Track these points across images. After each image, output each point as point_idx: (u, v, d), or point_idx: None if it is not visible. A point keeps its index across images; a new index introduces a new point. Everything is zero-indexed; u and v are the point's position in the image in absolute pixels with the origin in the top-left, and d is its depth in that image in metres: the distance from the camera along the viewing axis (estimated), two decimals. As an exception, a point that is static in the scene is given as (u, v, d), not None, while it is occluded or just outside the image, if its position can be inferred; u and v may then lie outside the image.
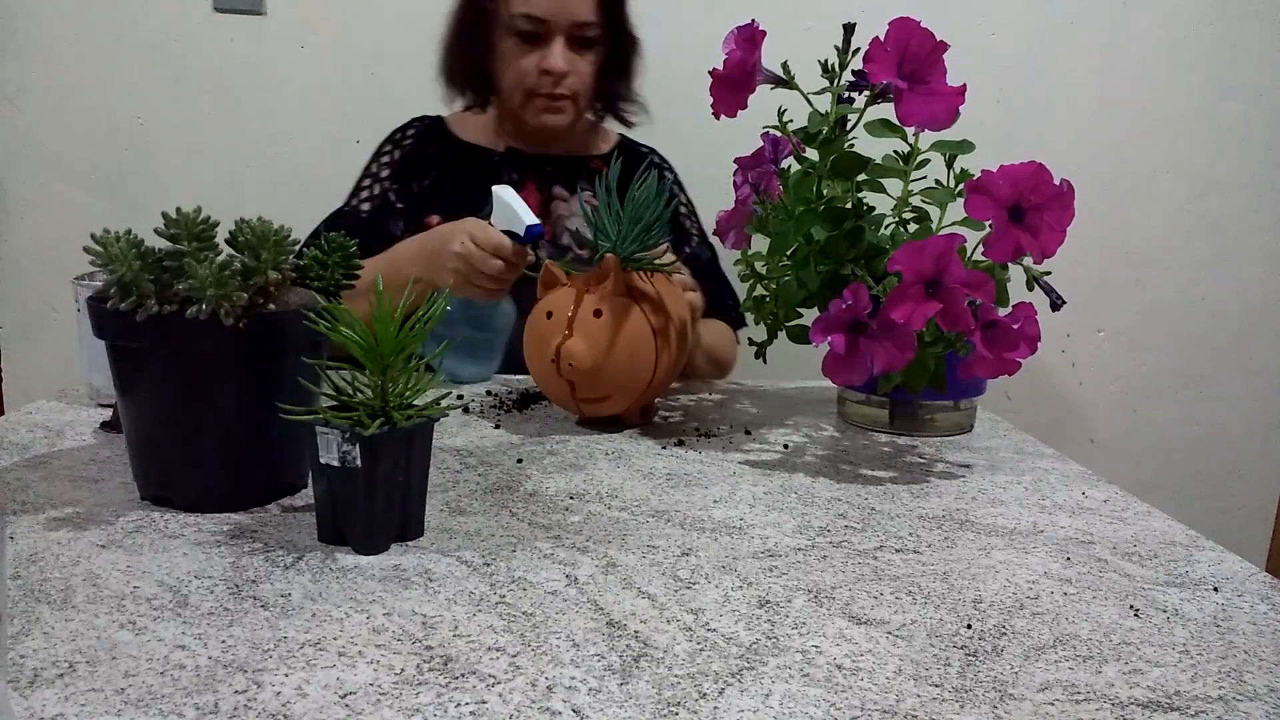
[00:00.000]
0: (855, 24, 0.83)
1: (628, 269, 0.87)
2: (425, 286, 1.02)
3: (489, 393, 1.03)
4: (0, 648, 0.38)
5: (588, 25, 1.16)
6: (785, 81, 0.86)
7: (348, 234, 1.23)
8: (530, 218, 0.96)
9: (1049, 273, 0.82)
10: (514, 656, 0.47)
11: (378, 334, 0.58)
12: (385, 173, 1.27)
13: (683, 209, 1.34)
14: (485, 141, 1.28)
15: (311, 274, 0.71)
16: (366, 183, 1.28)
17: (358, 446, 0.57)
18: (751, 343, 0.96)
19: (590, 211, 0.92)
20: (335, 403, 0.61)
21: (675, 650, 0.49)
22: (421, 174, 1.26)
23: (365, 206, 1.25)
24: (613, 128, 1.35)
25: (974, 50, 1.59)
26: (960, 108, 0.79)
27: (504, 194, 0.99)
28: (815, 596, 0.56)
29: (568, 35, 1.15)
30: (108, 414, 0.87)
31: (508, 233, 0.97)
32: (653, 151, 1.37)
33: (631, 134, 1.37)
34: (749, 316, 0.96)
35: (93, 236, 0.60)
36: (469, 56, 1.24)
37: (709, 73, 0.87)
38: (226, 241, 0.63)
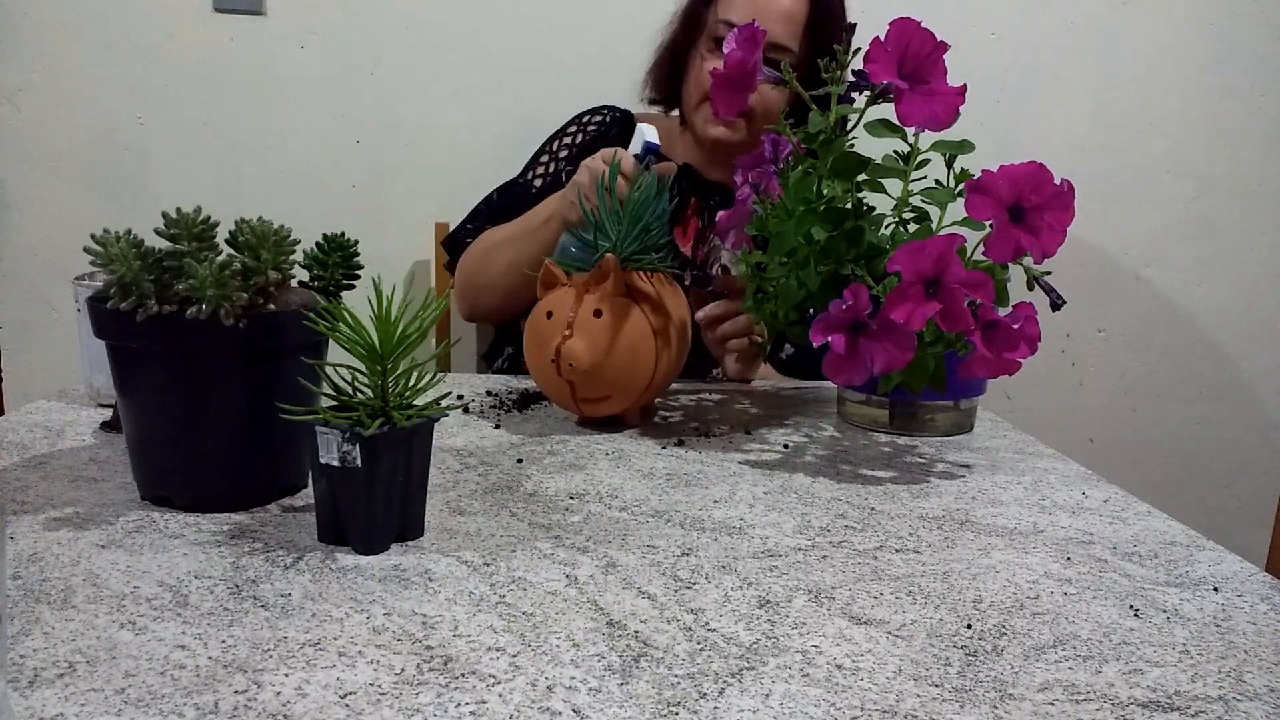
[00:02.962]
0: (855, 24, 0.83)
1: (628, 269, 0.87)
2: (556, 223, 1.08)
3: (489, 393, 1.03)
4: (0, 648, 0.38)
5: (783, 50, 1.14)
6: (785, 81, 0.86)
7: (515, 203, 1.27)
8: (652, 136, 1.00)
9: (1049, 273, 0.82)
10: (514, 656, 0.47)
11: (378, 334, 0.58)
12: (564, 153, 1.28)
13: None
14: (665, 150, 1.28)
15: (313, 273, 0.71)
16: (544, 159, 1.28)
17: (358, 446, 0.57)
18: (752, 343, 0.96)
19: (589, 213, 0.92)
20: (335, 403, 0.61)
21: (675, 650, 0.49)
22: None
23: (537, 183, 1.26)
24: None
25: (974, 50, 1.59)
26: (960, 108, 0.79)
27: (643, 127, 1.03)
28: (815, 596, 0.56)
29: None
30: (108, 414, 0.87)
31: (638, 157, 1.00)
32: None
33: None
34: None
35: (93, 236, 0.60)
36: (676, 57, 1.25)
37: (709, 72, 0.87)
38: (226, 241, 0.63)
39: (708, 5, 1.20)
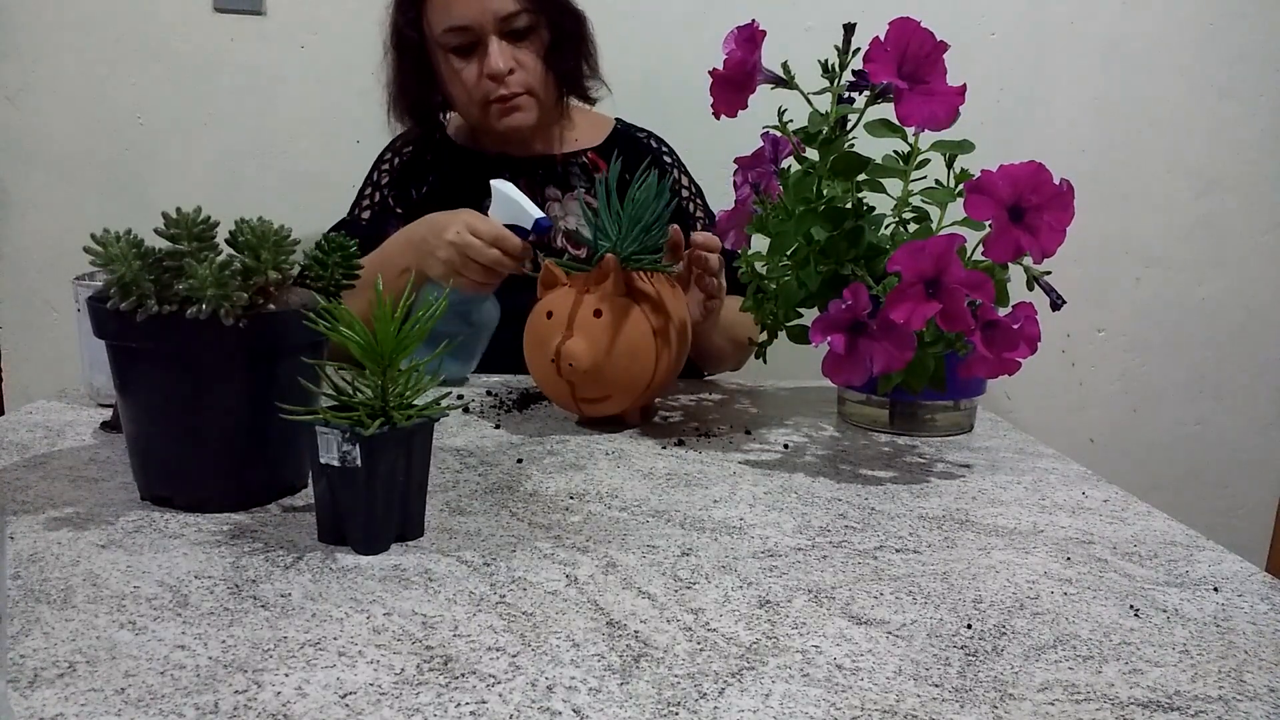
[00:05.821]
0: (855, 24, 0.83)
1: (628, 269, 0.87)
2: (416, 278, 1.01)
3: (489, 393, 1.03)
4: (0, 648, 0.38)
5: (515, 15, 1.14)
6: (785, 81, 0.86)
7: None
8: (536, 211, 0.97)
9: (1049, 273, 0.82)
10: (514, 656, 0.47)
11: (377, 334, 0.58)
12: (385, 179, 1.28)
13: (685, 192, 1.32)
14: (479, 146, 1.28)
15: (311, 274, 0.71)
16: (368, 190, 1.29)
17: (358, 446, 0.57)
18: (752, 342, 0.96)
19: (589, 211, 0.92)
20: (335, 403, 0.61)
21: (675, 650, 0.49)
22: (419, 180, 1.26)
23: (366, 214, 1.26)
24: (586, 108, 1.32)
25: (974, 50, 1.59)
26: (960, 108, 0.79)
27: (504, 187, 1.00)
28: (815, 596, 0.56)
29: (499, 33, 1.14)
30: (108, 414, 0.87)
31: (511, 227, 0.98)
32: (651, 135, 1.35)
33: (629, 117, 1.35)
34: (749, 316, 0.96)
35: (93, 236, 0.60)
36: (418, 84, 1.23)
37: (709, 73, 0.87)
38: (226, 241, 0.63)
39: (415, 28, 1.18)
